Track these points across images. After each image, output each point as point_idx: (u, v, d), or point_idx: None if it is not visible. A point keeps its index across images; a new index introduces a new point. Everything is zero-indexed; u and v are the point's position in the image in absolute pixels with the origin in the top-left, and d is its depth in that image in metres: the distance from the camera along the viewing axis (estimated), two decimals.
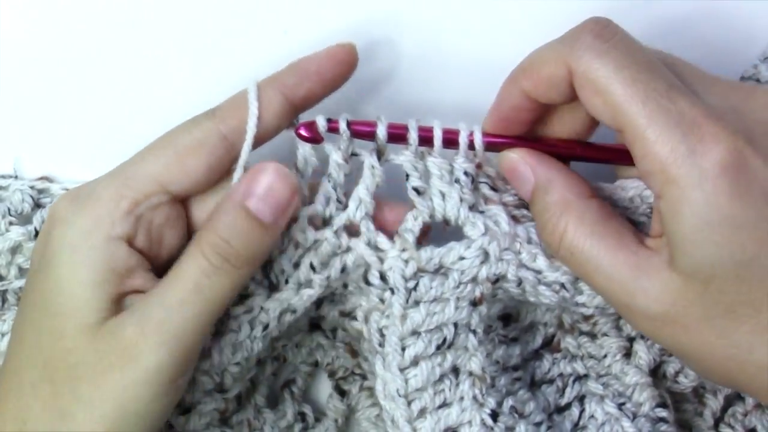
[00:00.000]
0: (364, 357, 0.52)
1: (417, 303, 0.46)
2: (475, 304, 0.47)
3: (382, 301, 0.47)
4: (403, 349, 0.47)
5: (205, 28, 0.54)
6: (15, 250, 0.52)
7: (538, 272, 0.46)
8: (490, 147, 0.46)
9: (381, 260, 0.46)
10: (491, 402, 0.47)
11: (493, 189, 0.47)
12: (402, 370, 0.47)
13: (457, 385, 0.47)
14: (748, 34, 0.54)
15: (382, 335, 0.47)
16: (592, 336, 0.52)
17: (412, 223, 0.46)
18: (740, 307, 0.40)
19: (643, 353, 0.51)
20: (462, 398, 0.47)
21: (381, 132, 0.46)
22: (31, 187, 0.53)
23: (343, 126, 0.46)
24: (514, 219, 0.47)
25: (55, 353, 0.42)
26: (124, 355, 0.42)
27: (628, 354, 0.52)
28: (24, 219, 0.53)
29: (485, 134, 0.46)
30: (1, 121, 0.55)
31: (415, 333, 0.46)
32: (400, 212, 0.47)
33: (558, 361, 0.53)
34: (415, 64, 0.54)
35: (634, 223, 0.46)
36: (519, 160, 0.45)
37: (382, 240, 0.46)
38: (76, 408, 0.42)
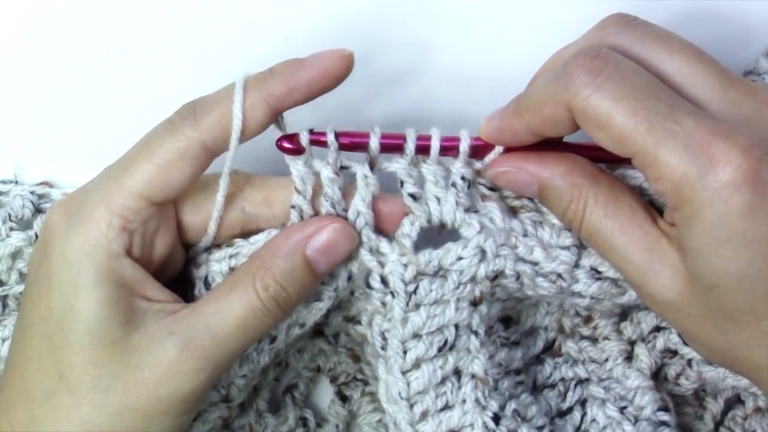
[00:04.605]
0: (367, 362, 0.52)
1: (417, 306, 0.46)
2: (475, 304, 0.47)
3: (383, 304, 0.47)
4: (405, 352, 0.46)
5: (206, 36, 0.55)
6: (15, 255, 0.52)
7: (535, 264, 0.46)
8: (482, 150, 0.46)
9: (382, 264, 0.46)
10: (494, 405, 0.47)
11: (492, 189, 0.47)
12: (404, 373, 0.47)
13: (459, 387, 0.47)
14: (749, 33, 0.54)
15: (384, 339, 0.47)
16: (593, 340, 0.52)
17: (409, 228, 0.46)
18: (741, 315, 0.40)
19: (644, 356, 0.51)
20: (464, 401, 0.47)
21: (374, 144, 0.45)
22: (32, 193, 0.53)
23: (331, 138, 0.45)
24: (514, 210, 0.47)
25: (75, 366, 0.43)
26: (161, 373, 0.43)
27: (629, 357, 0.52)
28: (24, 224, 0.53)
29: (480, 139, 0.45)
30: (1, 126, 0.55)
31: (417, 336, 0.46)
32: (394, 204, 0.46)
33: (559, 365, 0.53)
34: (414, 72, 0.54)
35: None
36: (510, 171, 0.45)
37: (383, 245, 0.46)
38: (101, 419, 0.43)
